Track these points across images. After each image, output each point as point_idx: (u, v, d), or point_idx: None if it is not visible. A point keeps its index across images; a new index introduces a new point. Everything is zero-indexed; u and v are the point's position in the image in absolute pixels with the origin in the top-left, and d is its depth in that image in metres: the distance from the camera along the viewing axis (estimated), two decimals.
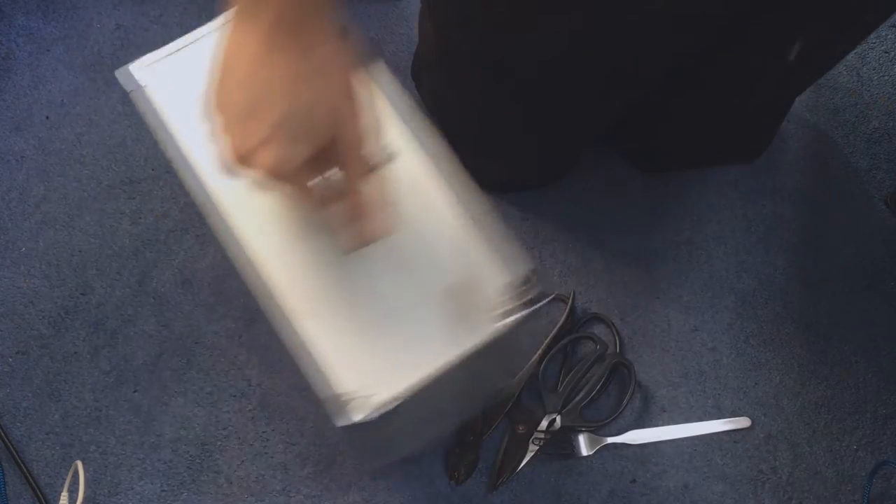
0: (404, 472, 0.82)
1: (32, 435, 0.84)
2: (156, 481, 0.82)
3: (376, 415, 0.54)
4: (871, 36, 1.06)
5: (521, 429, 0.83)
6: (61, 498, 0.80)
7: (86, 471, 0.82)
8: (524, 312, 0.57)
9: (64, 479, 0.82)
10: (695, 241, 0.94)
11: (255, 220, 0.58)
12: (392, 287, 0.57)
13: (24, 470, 0.82)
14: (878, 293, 0.91)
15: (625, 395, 0.84)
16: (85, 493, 0.81)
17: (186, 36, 0.65)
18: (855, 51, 1.05)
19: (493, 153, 0.93)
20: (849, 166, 0.98)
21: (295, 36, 0.48)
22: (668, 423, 0.85)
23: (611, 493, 0.81)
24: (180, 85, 0.63)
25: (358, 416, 0.53)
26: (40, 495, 0.81)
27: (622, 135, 0.96)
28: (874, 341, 0.88)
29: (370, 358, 0.55)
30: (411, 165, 0.61)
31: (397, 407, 0.55)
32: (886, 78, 1.04)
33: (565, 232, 0.94)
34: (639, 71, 0.77)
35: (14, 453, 0.83)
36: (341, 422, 0.53)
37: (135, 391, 0.85)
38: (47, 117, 1.02)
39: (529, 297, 0.57)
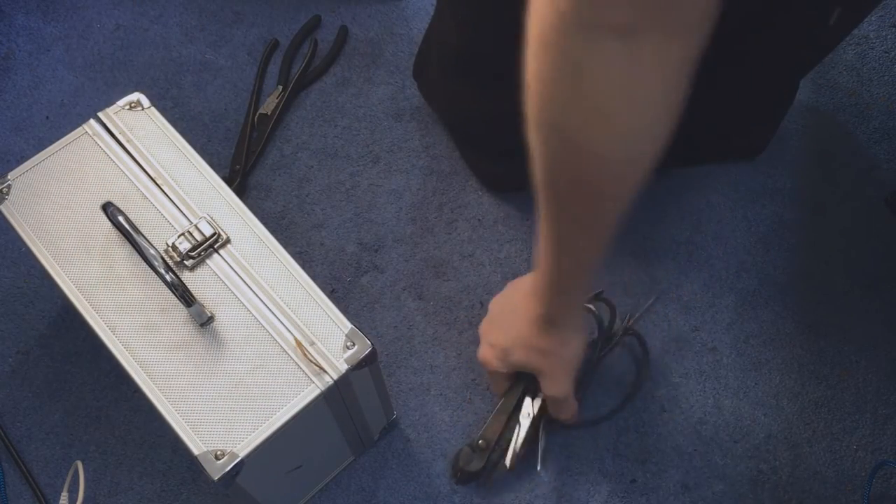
0: (404, 472, 0.83)
1: (32, 435, 0.84)
2: (156, 481, 0.82)
3: (234, 471, 0.61)
4: (872, 35, 1.06)
5: (530, 415, 0.80)
6: (61, 498, 0.80)
7: (86, 471, 0.82)
8: (360, 359, 0.65)
9: (64, 479, 0.82)
10: (695, 241, 0.94)
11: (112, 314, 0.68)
12: (234, 357, 0.65)
13: (24, 470, 0.82)
14: (878, 293, 0.91)
15: (642, 369, 0.83)
16: (85, 492, 0.81)
17: (41, 153, 0.75)
18: (855, 51, 1.05)
19: (499, 151, 0.93)
20: (849, 166, 0.98)
21: (558, 333, 0.73)
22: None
23: (611, 493, 0.81)
24: (37, 199, 0.72)
25: (217, 475, 0.60)
26: (40, 495, 0.81)
27: None
28: (874, 341, 0.88)
29: (223, 421, 0.63)
30: (244, 238, 0.70)
31: (260, 460, 0.63)
32: (886, 78, 1.04)
33: None
34: None
35: (14, 453, 0.83)
36: (211, 478, 0.60)
37: (135, 391, 0.85)
38: (47, 117, 1.02)
39: (361, 350, 0.65)
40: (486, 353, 0.80)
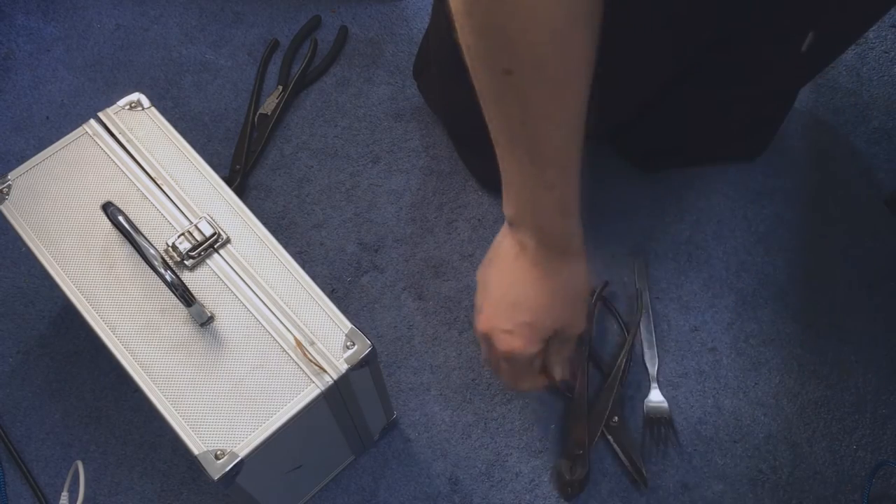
0: (404, 472, 0.83)
1: (32, 435, 0.84)
2: (156, 480, 0.82)
3: (234, 471, 0.61)
4: (872, 35, 1.06)
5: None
6: (61, 498, 0.80)
7: (86, 470, 0.82)
8: (360, 359, 0.65)
9: (64, 479, 0.82)
10: (695, 241, 0.94)
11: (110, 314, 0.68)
12: (234, 357, 0.65)
13: (24, 470, 0.82)
14: (878, 293, 0.91)
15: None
16: (85, 492, 0.81)
17: (41, 153, 0.74)
18: (855, 51, 1.05)
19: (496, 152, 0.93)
20: (849, 166, 0.98)
21: (555, 268, 0.64)
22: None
23: (610, 493, 0.81)
24: (37, 199, 0.72)
25: (217, 475, 0.60)
26: (40, 495, 0.81)
27: (623, 133, 0.96)
28: (874, 341, 0.88)
29: (223, 421, 0.62)
30: (244, 238, 0.70)
31: (260, 460, 0.63)
32: (886, 78, 1.04)
33: None
34: (655, 61, 0.77)
35: (14, 453, 0.83)
36: (211, 478, 0.60)
37: (135, 390, 0.85)
38: (47, 117, 1.02)
39: (361, 350, 0.65)
40: (511, 342, 0.67)
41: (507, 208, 0.65)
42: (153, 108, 0.76)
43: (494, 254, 0.69)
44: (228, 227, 0.70)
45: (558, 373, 0.72)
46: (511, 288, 0.67)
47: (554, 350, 0.71)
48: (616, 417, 0.83)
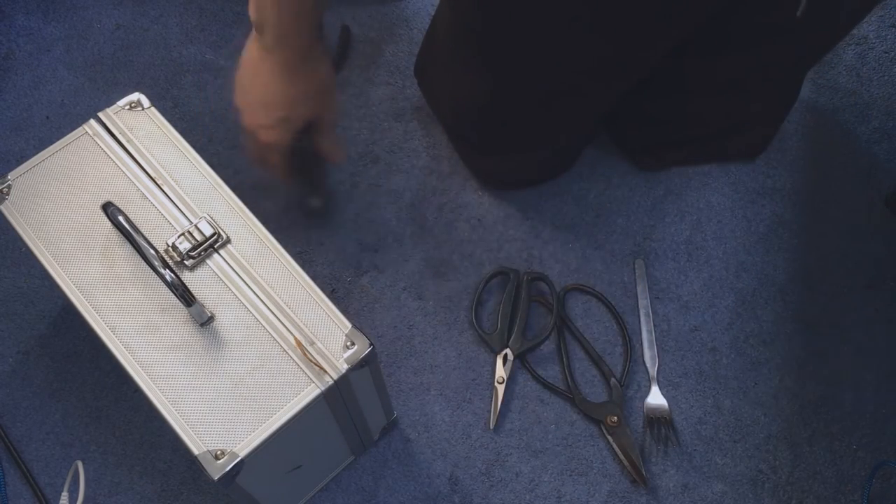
0: (404, 472, 0.83)
1: (32, 435, 0.84)
2: (156, 481, 0.82)
3: (234, 471, 0.61)
4: (872, 35, 1.06)
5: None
6: (61, 498, 0.80)
7: (86, 470, 0.82)
8: (360, 359, 0.65)
9: (64, 479, 0.82)
10: (695, 241, 0.94)
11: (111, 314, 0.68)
12: (234, 357, 0.65)
13: (24, 470, 0.82)
14: (878, 293, 0.91)
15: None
16: (85, 492, 0.81)
17: (41, 153, 0.75)
18: (855, 51, 1.05)
19: (497, 148, 0.93)
20: (849, 166, 0.98)
21: (297, 65, 0.76)
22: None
23: (610, 492, 0.81)
24: (37, 199, 0.72)
25: (217, 475, 0.60)
26: (40, 495, 0.81)
27: (623, 132, 0.96)
28: (874, 341, 0.88)
29: (223, 421, 0.62)
30: (244, 238, 0.70)
31: (260, 460, 0.62)
32: (886, 78, 1.04)
33: (565, 232, 0.94)
34: (652, 39, 0.77)
35: (14, 453, 0.83)
36: (211, 478, 0.60)
37: (135, 390, 0.85)
38: (47, 117, 1.02)
39: (361, 350, 0.65)
40: (269, 136, 0.80)
41: (251, 11, 0.74)
42: (153, 108, 0.76)
43: (244, 60, 0.79)
44: (228, 227, 0.70)
45: (338, 155, 0.88)
46: (264, 88, 0.77)
47: (320, 140, 0.84)
48: (616, 417, 0.83)
